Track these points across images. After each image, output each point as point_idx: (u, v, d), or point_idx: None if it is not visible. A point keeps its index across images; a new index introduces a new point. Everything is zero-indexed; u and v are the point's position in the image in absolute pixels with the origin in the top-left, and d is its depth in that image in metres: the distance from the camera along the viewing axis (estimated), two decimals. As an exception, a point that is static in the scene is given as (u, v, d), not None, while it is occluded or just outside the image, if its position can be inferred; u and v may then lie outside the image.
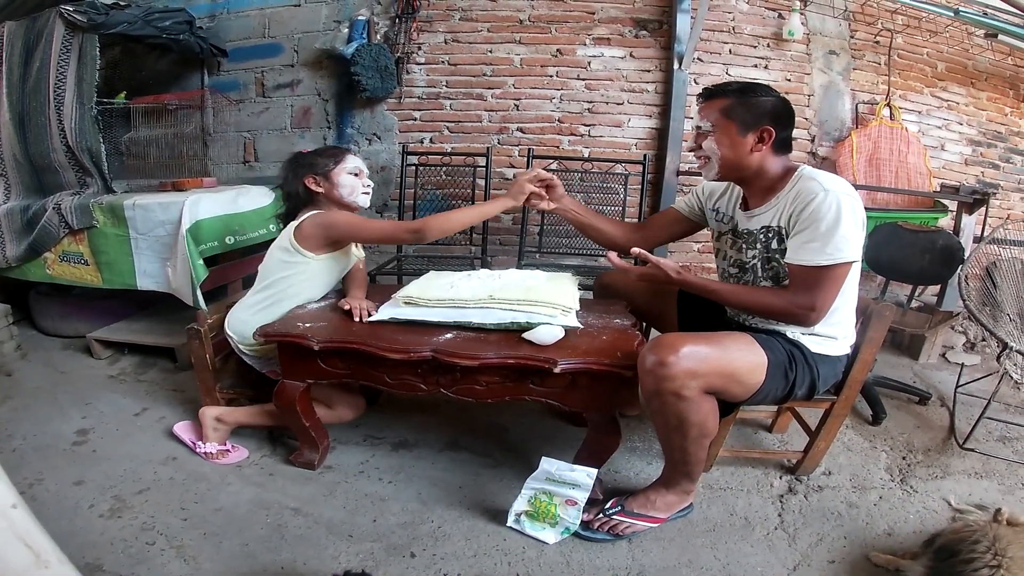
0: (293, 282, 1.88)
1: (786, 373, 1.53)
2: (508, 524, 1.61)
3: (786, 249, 1.51)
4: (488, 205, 1.97)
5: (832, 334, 1.59)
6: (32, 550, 0.64)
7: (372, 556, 1.52)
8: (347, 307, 1.81)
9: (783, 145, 1.57)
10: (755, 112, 1.52)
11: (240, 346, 1.93)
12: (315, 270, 1.89)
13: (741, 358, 1.46)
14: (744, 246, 1.66)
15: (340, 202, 1.92)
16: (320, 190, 1.90)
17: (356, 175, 1.93)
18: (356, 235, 1.91)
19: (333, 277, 2.00)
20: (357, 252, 2.06)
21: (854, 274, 1.51)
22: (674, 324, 1.92)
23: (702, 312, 1.84)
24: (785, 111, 1.55)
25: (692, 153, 1.66)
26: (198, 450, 1.92)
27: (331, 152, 1.94)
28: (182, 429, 2.02)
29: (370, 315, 1.77)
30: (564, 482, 1.53)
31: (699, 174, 3.27)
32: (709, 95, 1.59)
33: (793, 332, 1.58)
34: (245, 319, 1.89)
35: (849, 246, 1.40)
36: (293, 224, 1.86)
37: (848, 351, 1.64)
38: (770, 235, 1.56)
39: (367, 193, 1.96)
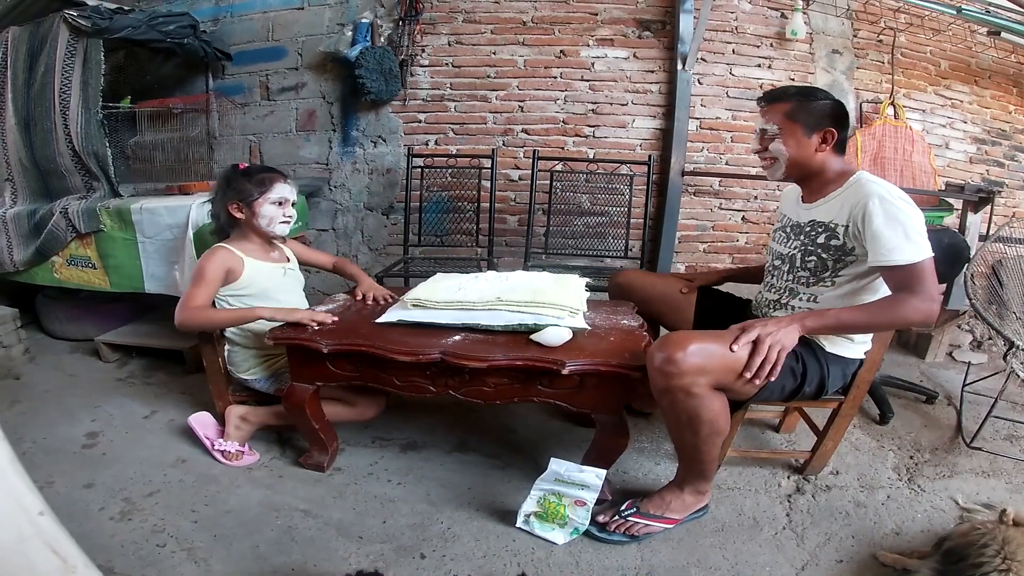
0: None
1: (793, 369, 1.54)
2: (517, 525, 1.61)
3: (837, 246, 1.55)
4: (243, 313, 1.88)
5: (855, 337, 1.61)
6: (59, 556, 0.65)
7: (382, 557, 1.52)
8: (360, 296, 1.86)
9: (842, 146, 1.62)
10: (817, 114, 1.58)
11: (240, 376, 1.99)
12: (242, 301, 1.93)
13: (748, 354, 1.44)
14: (789, 239, 1.70)
15: (258, 230, 1.95)
16: (241, 216, 1.92)
17: (280, 204, 1.94)
18: (189, 287, 1.87)
19: (271, 298, 1.97)
20: (273, 268, 2.02)
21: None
22: (690, 327, 1.93)
23: (720, 316, 1.84)
24: (843, 113, 1.61)
25: (757, 155, 1.70)
26: (214, 447, 1.92)
27: (260, 178, 1.93)
28: (197, 422, 1.99)
29: (387, 301, 1.83)
30: (573, 483, 1.54)
31: (705, 174, 3.34)
32: (771, 99, 1.64)
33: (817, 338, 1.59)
34: (233, 353, 1.99)
35: (927, 241, 1.43)
36: None
37: (862, 356, 1.65)
38: (819, 230, 1.59)
39: (286, 222, 1.97)
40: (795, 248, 1.66)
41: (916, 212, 1.45)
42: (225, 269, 1.87)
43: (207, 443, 1.94)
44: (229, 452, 1.91)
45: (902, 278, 1.43)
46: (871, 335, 1.64)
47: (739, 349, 1.39)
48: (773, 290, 1.75)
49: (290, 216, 1.98)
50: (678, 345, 1.38)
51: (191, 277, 1.87)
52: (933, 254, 1.43)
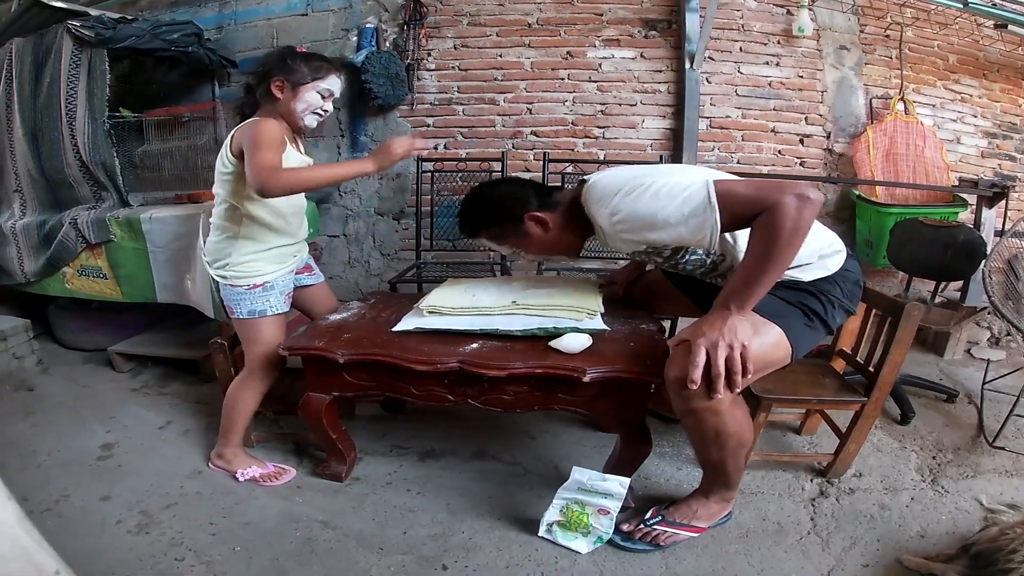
0: (242, 199, 1.75)
1: (808, 324, 1.46)
2: (540, 534, 1.59)
3: (672, 251, 1.51)
4: (343, 167, 1.75)
5: (807, 260, 1.49)
6: None
7: (404, 569, 1.51)
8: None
9: (548, 204, 1.63)
10: (505, 220, 1.62)
11: (211, 271, 1.85)
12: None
13: (759, 344, 1.36)
14: (667, 264, 1.64)
15: (290, 115, 1.77)
16: (280, 96, 1.74)
17: (324, 97, 1.78)
18: (249, 153, 1.62)
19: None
20: (303, 158, 1.87)
21: None
22: (686, 302, 1.88)
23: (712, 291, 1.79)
24: (512, 197, 1.64)
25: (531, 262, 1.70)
26: (240, 480, 1.87)
27: (318, 64, 1.77)
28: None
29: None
30: (596, 492, 1.52)
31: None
32: (471, 233, 1.71)
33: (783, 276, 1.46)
34: (217, 241, 1.83)
35: (678, 190, 1.35)
36: (232, 132, 1.74)
37: (837, 267, 1.53)
38: (641, 256, 1.58)
39: (318, 115, 1.81)
40: (662, 268, 1.62)
41: (635, 197, 1.39)
42: (282, 138, 1.71)
43: (236, 476, 1.89)
44: (257, 478, 1.86)
45: (735, 216, 1.30)
46: (820, 247, 1.51)
47: (696, 375, 1.28)
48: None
49: (326, 111, 1.82)
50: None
51: (248, 145, 1.63)
52: (706, 179, 1.32)
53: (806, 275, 1.49)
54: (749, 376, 1.30)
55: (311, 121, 1.81)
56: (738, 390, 1.32)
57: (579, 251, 1.73)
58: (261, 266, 1.82)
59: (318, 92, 1.77)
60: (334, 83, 1.80)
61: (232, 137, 1.73)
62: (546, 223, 1.60)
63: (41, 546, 0.64)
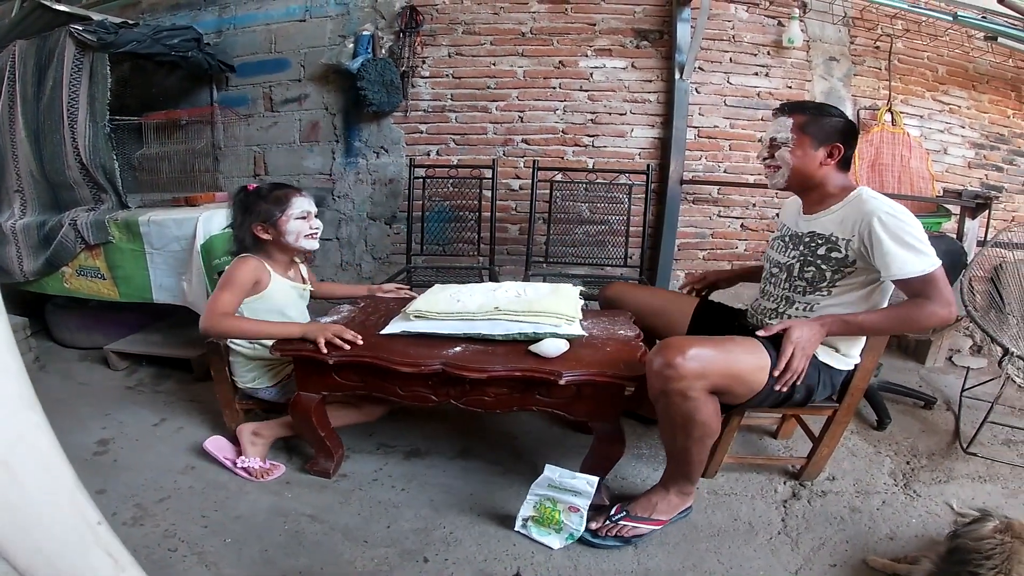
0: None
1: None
2: (516, 529, 1.65)
3: (838, 258, 1.60)
4: (280, 327, 1.84)
5: (842, 349, 1.67)
6: (113, 558, 0.79)
7: (387, 561, 1.56)
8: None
9: (846, 163, 1.68)
10: (828, 129, 1.64)
11: (245, 386, 2.02)
12: (255, 311, 1.92)
13: (745, 360, 1.51)
14: (788, 247, 1.75)
15: (286, 248, 1.97)
16: (268, 237, 1.93)
17: (303, 218, 1.94)
18: (214, 291, 1.86)
19: (284, 314, 2.00)
20: (294, 285, 2.06)
21: (887, 291, 1.62)
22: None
23: (715, 327, 1.87)
24: (852, 132, 1.68)
25: (764, 162, 1.75)
26: (237, 467, 1.92)
27: (277, 197, 1.92)
28: (213, 446, 2.00)
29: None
30: (566, 489, 1.58)
31: (703, 182, 3.37)
32: (789, 110, 1.69)
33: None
34: (238, 364, 2.01)
35: (933, 250, 1.50)
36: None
37: (851, 367, 1.70)
38: (819, 241, 1.64)
39: (312, 235, 1.98)
40: (793, 258, 1.71)
41: (917, 224, 1.51)
42: (256, 278, 1.89)
43: (228, 464, 1.94)
44: (254, 469, 1.91)
45: (917, 287, 1.50)
46: (860, 348, 1.69)
47: (782, 364, 1.50)
48: (770, 298, 1.80)
49: (317, 228, 1.99)
50: (678, 350, 1.43)
51: (219, 282, 1.86)
52: (941, 262, 1.49)
53: (823, 355, 1.64)
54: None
55: (309, 244, 1.98)
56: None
57: (787, 188, 1.75)
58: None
59: (296, 219, 1.92)
60: (302, 204, 1.95)
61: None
62: (831, 161, 1.65)
63: (89, 502, 0.78)
